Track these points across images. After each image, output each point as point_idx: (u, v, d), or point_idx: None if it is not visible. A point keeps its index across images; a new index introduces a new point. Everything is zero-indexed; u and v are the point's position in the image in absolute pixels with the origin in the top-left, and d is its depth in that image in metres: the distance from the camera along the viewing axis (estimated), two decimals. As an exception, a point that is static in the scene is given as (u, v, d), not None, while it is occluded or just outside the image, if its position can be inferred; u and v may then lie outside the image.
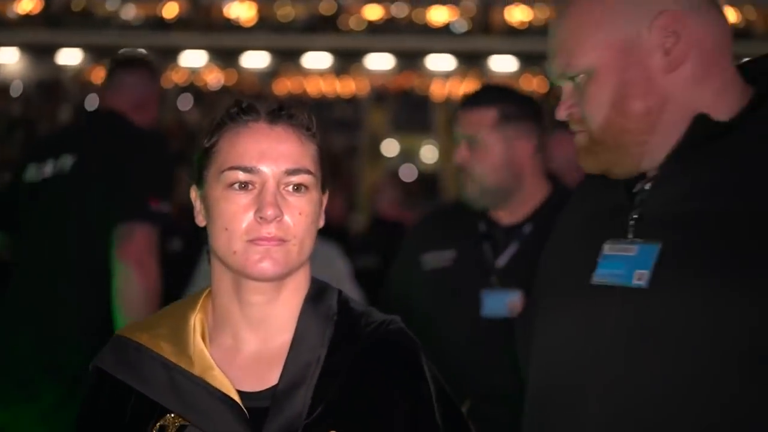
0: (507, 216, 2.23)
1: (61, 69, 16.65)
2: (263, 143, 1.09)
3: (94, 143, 2.36)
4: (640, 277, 1.04)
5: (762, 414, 0.94)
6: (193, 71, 16.48)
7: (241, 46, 16.11)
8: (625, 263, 1.05)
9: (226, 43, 15.90)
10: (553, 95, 17.94)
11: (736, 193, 1.01)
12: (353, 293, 2.75)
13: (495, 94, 2.28)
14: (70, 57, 16.91)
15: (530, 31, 15.95)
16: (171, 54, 16.59)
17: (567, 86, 1.13)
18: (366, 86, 15.99)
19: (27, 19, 16.50)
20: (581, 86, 1.10)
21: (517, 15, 15.37)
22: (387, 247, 4.17)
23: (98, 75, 17.42)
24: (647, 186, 1.11)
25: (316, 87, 16.19)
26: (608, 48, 1.07)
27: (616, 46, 1.06)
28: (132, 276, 2.15)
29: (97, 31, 15.97)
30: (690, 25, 1.06)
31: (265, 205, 1.06)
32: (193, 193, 1.15)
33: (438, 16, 15.74)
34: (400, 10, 15.78)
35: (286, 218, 1.08)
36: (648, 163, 1.11)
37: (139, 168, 2.18)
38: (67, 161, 2.27)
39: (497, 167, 2.16)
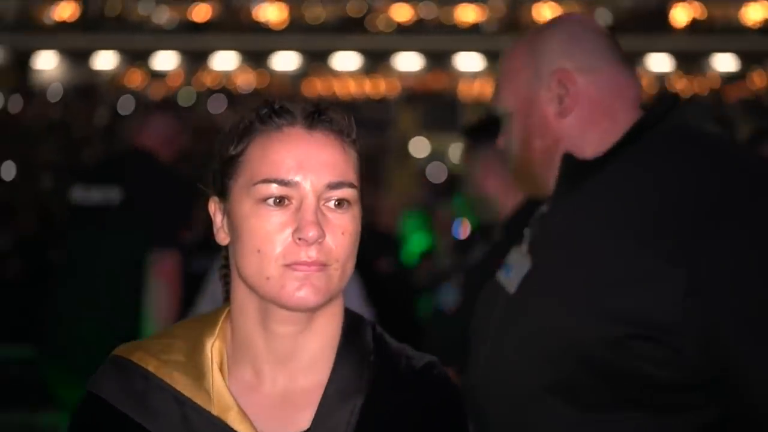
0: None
1: (97, 73, 17.00)
2: (301, 152, 0.93)
3: (135, 179, 2.92)
4: (512, 284, 1.29)
5: (552, 413, 1.19)
6: (225, 73, 16.72)
7: (271, 48, 16.29)
8: (513, 269, 1.31)
9: (256, 45, 16.09)
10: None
11: (587, 222, 1.22)
12: (356, 301, 2.63)
13: (469, 129, 2.71)
14: (105, 61, 17.25)
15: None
16: (202, 56, 16.85)
17: (504, 125, 1.38)
18: (395, 86, 16.08)
19: (63, 25, 16.88)
20: (506, 124, 1.36)
21: (546, 13, 15.32)
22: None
23: (132, 78, 17.77)
24: (544, 209, 1.35)
25: (345, 88, 16.32)
26: (518, 96, 1.33)
27: (523, 95, 1.32)
28: (164, 290, 2.73)
29: (130, 35, 16.28)
30: (579, 82, 1.30)
31: (305, 225, 0.91)
32: (213, 206, 0.99)
33: (466, 15, 15.76)
34: (428, 11, 15.82)
35: (328, 239, 0.92)
36: None
37: (172, 206, 2.73)
38: (114, 194, 2.84)
39: (473, 188, 2.54)
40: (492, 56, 15.45)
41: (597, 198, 1.23)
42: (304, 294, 0.92)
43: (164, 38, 16.27)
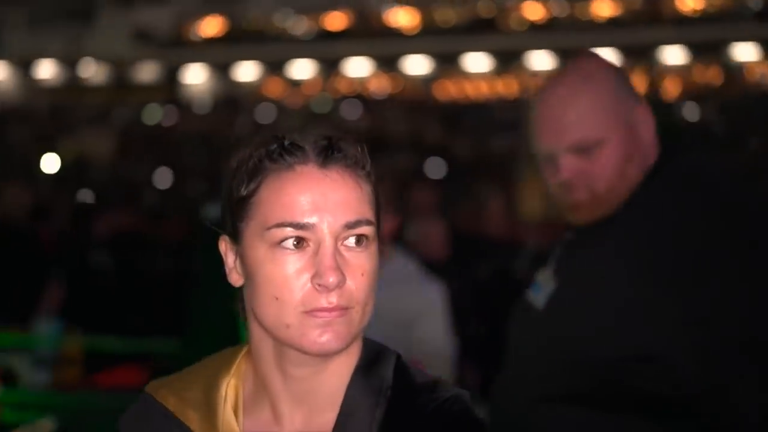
0: None
1: (239, 84, 17.91)
2: (315, 192, 0.90)
3: None
4: (540, 302, 1.45)
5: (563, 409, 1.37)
6: (359, 79, 17.12)
7: (403, 52, 16.51)
8: (541, 288, 1.48)
9: (388, 50, 16.36)
10: (730, 84, 16.77)
11: (603, 254, 1.40)
12: (440, 329, 2.46)
13: None
14: (247, 72, 18.13)
15: (703, 19, 15.06)
16: (337, 63, 17.34)
17: (567, 156, 1.42)
18: (528, 86, 15.86)
19: (210, 41, 17.89)
20: (590, 155, 1.41)
21: (690, 3, 14.61)
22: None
23: (271, 87, 18.57)
24: (571, 235, 1.49)
25: (477, 89, 16.27)
26: (617, 125, 1.41)
27: (623, 124, 1.41)
28: None
29: (269, 46, 17.02)
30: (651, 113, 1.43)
31: (325, 271, 0.88)
32: (224, 246, 0.96)
33: (601, 10, 15.29)
34: (561, 7, 15.49)
35: (348, 282, 0.90)
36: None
37: None
38: None
39: None
40: (629, 51, 14.90)
41: (612, 234, 1.40)
42: (326, 340, 0.90)
43: (301, 48, 16.88)
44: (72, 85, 18.78)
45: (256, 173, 0.92)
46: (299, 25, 17.28)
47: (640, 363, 1.30)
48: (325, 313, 0.89)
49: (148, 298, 4.24)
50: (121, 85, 18.41)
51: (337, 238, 0.90)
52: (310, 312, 0.89)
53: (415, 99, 16.09)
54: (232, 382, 0.99)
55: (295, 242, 0.89)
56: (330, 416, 0.95)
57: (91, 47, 18.20)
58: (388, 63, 16.93)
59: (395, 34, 16.56)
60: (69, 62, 18.76)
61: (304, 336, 0.89)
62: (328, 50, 16.70)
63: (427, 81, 16.71)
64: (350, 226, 0.90)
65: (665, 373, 1.29)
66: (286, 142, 0.91)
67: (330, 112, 15.77)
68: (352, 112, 15.85)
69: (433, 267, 3.66)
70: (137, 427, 0.99)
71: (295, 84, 17.55)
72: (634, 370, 1.30)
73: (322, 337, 0.89)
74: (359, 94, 16.60)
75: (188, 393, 0.99)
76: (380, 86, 16.96)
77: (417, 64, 16.82)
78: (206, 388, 0.99)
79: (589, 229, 1.42)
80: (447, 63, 16.62)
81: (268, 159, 0.91)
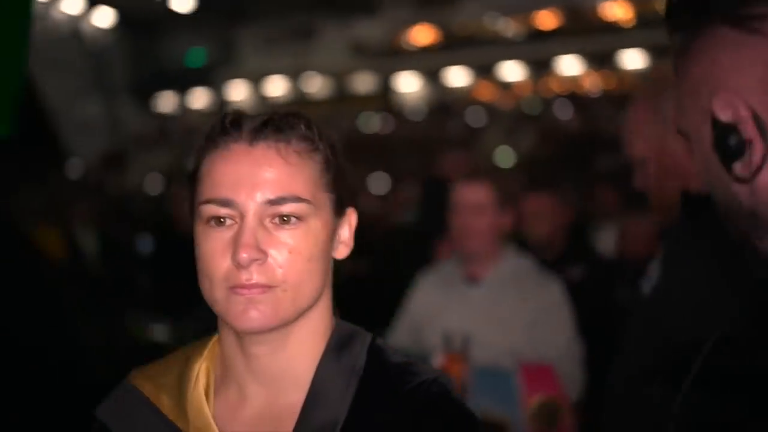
0: None
1: (451, 90, 18.20)
2: (241, 169, 0.90)
3: (428, 198, 4.10)
4: (647, 288, 1.60)
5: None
6: (571, 78, 16.66)
7: (617, 47, 15.83)
8: (650, 278, 1.65)
9: (601, 46, 15.77)
10: None
11: (690, 250, 1.49)
12: (565, 329, 2.31)
13: None
14: (457, 78, 18.40)
15: None
16: (548, 63, 17.02)
17: (636, 166, 1.63)
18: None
19: (421, 49, 18.40)
20: (639, 170, 1.63)
21: None
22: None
23: (482, 91, 18.67)
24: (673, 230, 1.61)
25: (701, 81, 15.16)
26: (651, 145, 1.57)
27: (657, 143, 1.57)
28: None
29: (479, 51, 17.13)
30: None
31: (238, 247, 0.88)
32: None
33: None
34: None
35: (271, 260, 0.88)
36: None
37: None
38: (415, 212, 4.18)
39: None
40: None
41: (698, 231, 1.52)
42: (249, 317, 0.89)
43: (510, 50, 16.80)
44: (298, 100, 20.22)
45: (200, 151, 0.94)
46: (508, 27, 17.21)
47: (720, 344, 1.39)
48: (245, 291, 0.89)
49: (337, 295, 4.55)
50: (340, 96, 19.50)
51: (262, 216, 0.90)
52: (233, 289, 0.89)
53: (631, 95, 15.34)
54: (204, 364, 1.00)
55: (221, 219, 0.90)
56: (298, 397, 0.94)
57: (314, 62, 19.48)
58: (601, 59, 16.33)
59: (609, 29, 15.93)
60: (295, 78, 20.22)
61: (229, 312, 0.90)
62: (539, 50, 16.46)
63: (644, 76, 15.87)
64: (274, 202, 0.89)
65: (740, 353, 1.38)
66: (227, 120, 0.93)
67: (541, 113, 15.52)
68: (564, 112, 15.47)
69: (634, 265, 3.52)
70: (115, 415, 0.99)
71: (506, 86, 17.50)
72: (713, 350, 1.40)
73: (246, 314, 0.89)
74: (572, 93, 16.18)
75: (163, 378, 1.00)
76: (593, 84, 16.39)
77: (633, 59, 16.05)
78: (179, 372, 1.00)
79: (679, 224, 1.59)
80: (667, 55, 15.65)
81: (209, 137, 0.94)
